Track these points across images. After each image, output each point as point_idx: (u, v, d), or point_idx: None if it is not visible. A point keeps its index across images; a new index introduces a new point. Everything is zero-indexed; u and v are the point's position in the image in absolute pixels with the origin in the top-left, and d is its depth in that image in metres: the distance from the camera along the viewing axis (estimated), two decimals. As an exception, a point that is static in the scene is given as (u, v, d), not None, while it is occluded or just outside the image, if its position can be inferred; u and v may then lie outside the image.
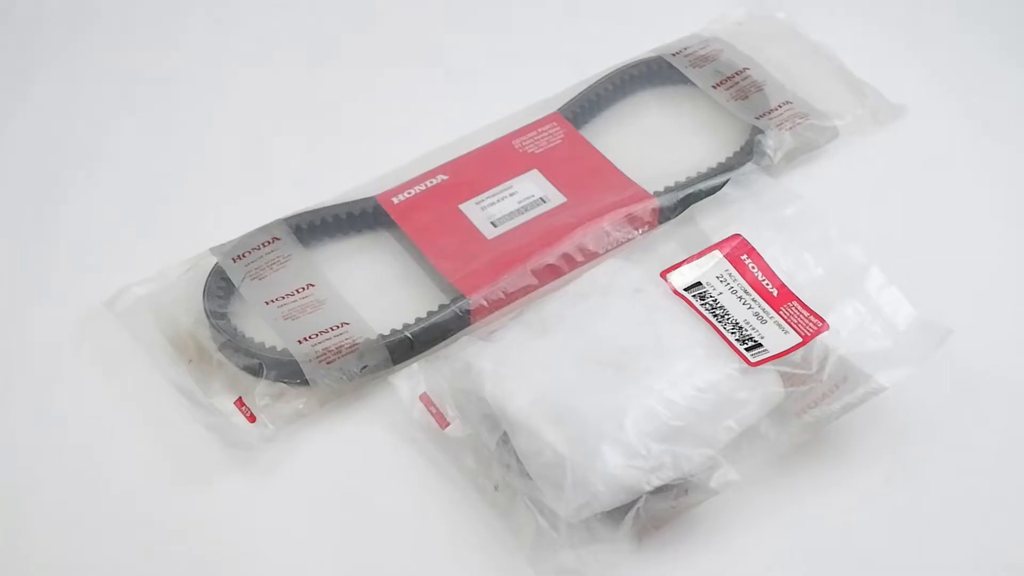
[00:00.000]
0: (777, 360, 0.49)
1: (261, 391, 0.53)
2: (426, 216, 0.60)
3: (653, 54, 0.72)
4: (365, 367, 0.53)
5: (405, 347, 0.55)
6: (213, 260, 0.59)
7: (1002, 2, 0.81)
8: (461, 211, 0.60)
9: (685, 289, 0.53)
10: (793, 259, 0.55)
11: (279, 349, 0.54)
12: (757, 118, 0.66)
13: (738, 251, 0.54)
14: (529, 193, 0.61)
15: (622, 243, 0.60)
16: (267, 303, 0.56)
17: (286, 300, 0.56)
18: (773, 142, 0.64)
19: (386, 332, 0.55)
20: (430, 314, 0.56)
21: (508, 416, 0.49)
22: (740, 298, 0.52)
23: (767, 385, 0.49)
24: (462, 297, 0.56)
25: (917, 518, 0.50)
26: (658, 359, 0.49)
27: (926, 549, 0.49)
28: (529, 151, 0.63)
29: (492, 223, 0.59)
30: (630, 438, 0.46)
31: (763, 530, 0.50)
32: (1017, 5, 0.81)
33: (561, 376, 0.50)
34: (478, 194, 0.61)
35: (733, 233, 0.55)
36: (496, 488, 0.51)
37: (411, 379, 0.54)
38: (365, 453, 0.54)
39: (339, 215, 0.61)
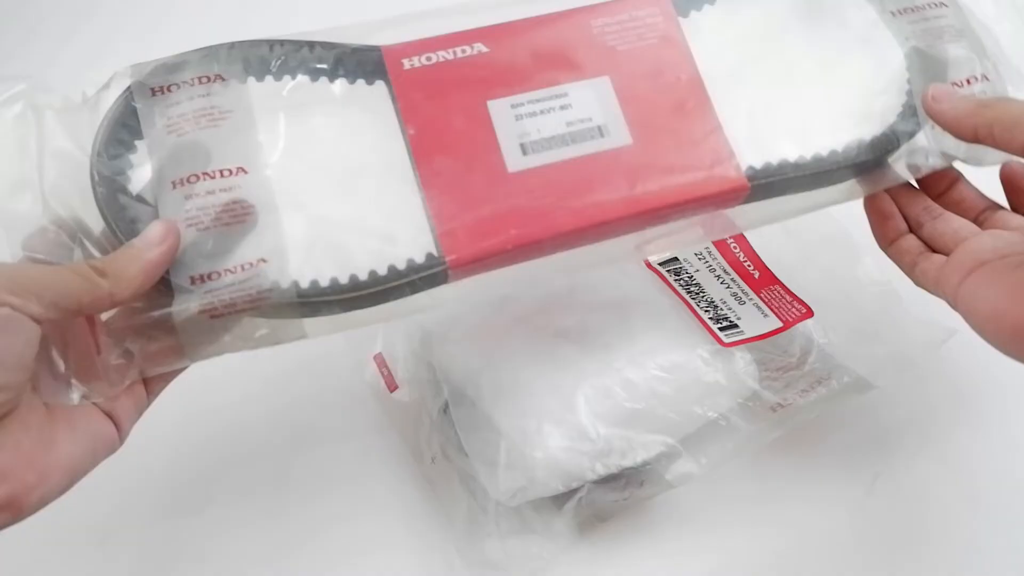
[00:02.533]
0: (753, 344, 0.44)
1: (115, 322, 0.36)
2: (438, 104, 0.40)
3: None
4: (263, 334, 0.36)
5: (327, 310, 0.37)
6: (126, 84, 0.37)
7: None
8: (488, 111, 0.40)
9: (660, 264, 0.48)
10: (792, 255, 0.50)
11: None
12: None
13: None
14: (587, 113, 0.40)
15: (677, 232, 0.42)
16: (174, 184, 0.36)
17: (199, 185, 0.36)
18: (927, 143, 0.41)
19: (310, 284, 0.36)
20: (388, 274, 0.36)
21: (451, 384, 0.45)
22: (718, 276, 0.46)
23: (740, 371, 0.44)
24: (441, 263, 0.37)
25: (898, 529, 0.46)
26: (620, 335, 0.45)
27: (904, 564, 0.45)
28: (610, 43, 0.41)
29: (522, 146, 0.39)
30: (578, 419, 0.42)
31: (724, 533, 0.45)
32: None
33: (512, 346, 0.45)
34: (520, 90, 0.40)
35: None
36: (433, 461, 0.47)
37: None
38: (308, 409, 0.51)
39: (320, 61, 0.39)
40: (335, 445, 0.49)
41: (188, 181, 0.35)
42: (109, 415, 0.34)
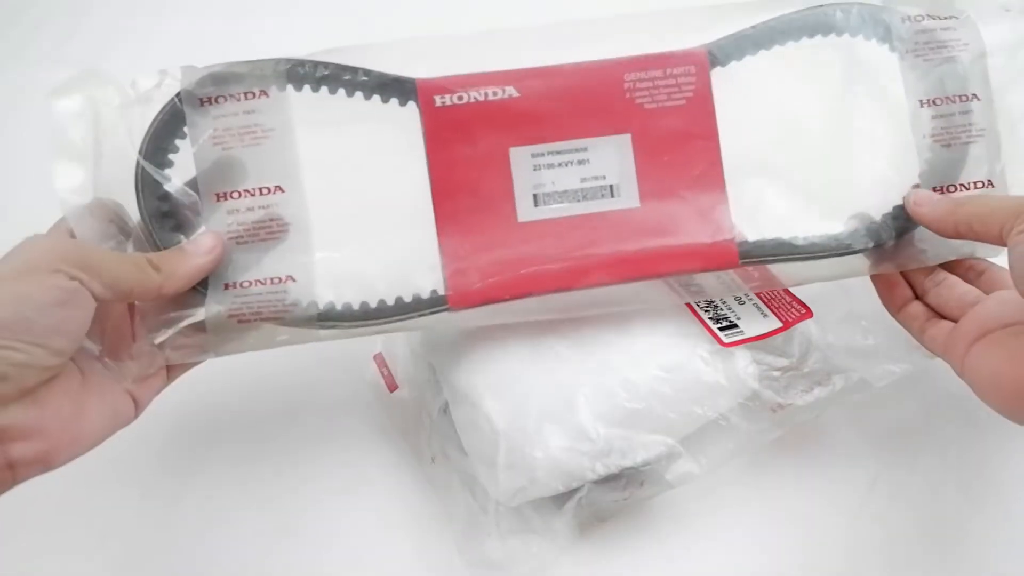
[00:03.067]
0: (753, 344, 0.44)
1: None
2: (463, 145, 0.41)
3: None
4: (282, 339, 0.40)
5: (339, 328, 0.41)
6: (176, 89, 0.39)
7: None
8: (509, 157, 0.41)
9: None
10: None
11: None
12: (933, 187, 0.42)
13: None
14: (602, 171, 0.41)
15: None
16: (218, 196, 0.39)
17: (240, 201, 0.39)
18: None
19: (327, 306, 0.40)
20: (395, 305, 0.40)
21: (450, 383, 0.45)
22: (718, 276, 0.46)
23: (740, 371, 0.44)
24: (443, 301, 0.40)
25: (898, 529, 0.46)
26: (620, 335, 0.44)
27: (904, 564, 0.45)
28: (639, 100, 0.41)
29: (535, 196, 0.41)
30: (578, 418, 0.42)
31: (724, 533, 0.45)
32: None
33: (512, 346, 0.45)
34: (542, 140, 0.41)
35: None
36: (433, 461, 0.46)
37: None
38: (308, 408, 0.51)
39: (359, 84, 0.41)
40: (335, 444, 0.49)
41: (231, 196, 0.39)
42: (130, 393, 0.38)
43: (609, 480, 0.42)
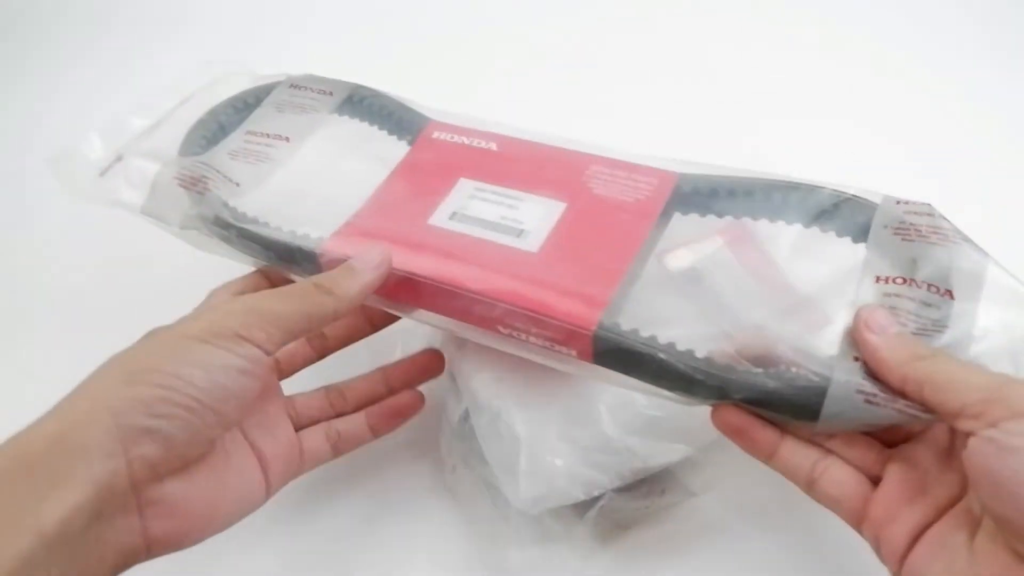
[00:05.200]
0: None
1: None
2: (431, 164, 0.46)
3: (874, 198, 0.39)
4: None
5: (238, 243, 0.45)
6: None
7: None
8: (456, 183, 0.45)
9: (680, 272, 0.47)
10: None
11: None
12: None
13: (741, 241, 0.48)
14: (523, 219, 0.42)
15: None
16: (248, 133, 0.50)
17: (256, 138, 0.50)
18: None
19: (240, 215, 0.44)
20: (287, 234, 0.43)
21: (471, 391, 0.45)
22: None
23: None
24: (318, 245, 0.42)
25: None
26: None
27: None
28: (591, 184, 0.43)
29: (453, 213, 0.43)
30: (599, 426, 0.42)
31: (746, 541, 0.45)
32: None
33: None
34: (491, 182, 0.44)
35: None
36: (454, 469, 0.46)
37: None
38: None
39: (388, 107, 0.51)
40: (354, 453, 0.49)
41: (257, 134, 0.51)
42: (265, 473, 0.36)
43: (630, 488, 0.42)
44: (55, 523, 0.27)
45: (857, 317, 0.33)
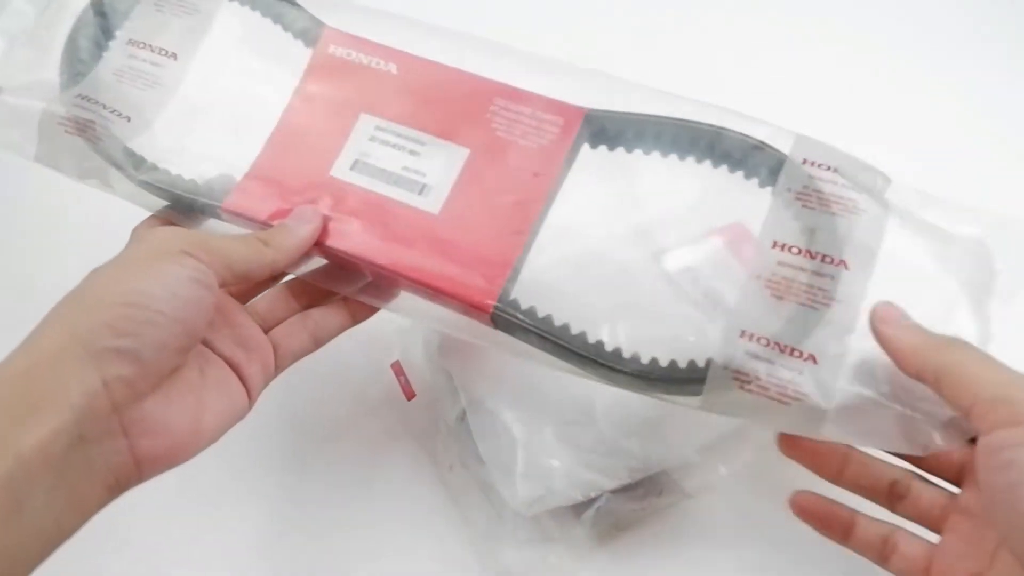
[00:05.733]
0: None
1: None
2: (329, 91, 0.44)
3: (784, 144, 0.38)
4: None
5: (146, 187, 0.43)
6: None
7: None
8: (357, 120, 0.43)
9: (678, 272, 0.47)
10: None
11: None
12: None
13: (739, 240, 0.48)
14: (425, 169, 0.41)
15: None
16: (130, 43, 0.46)
17: (144, 53, 0.45)
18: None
19: (138, 160, 0.43)
20: (188, 182, 0.43)
21: (468, 391, 0.45)
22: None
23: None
24: (219, 199, 0.42)
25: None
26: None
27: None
28: (494, 125, 0.41)
29: (356, 161, 0.42)
30: (596, 427, 0.42)
31: (743, 542, 0.45)
32: None
33: (529, 353, 0.45)
34: (392, 119, 0.42)
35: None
36: (451, 469, 0.46)
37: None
38: (325, 417, 0.51)
39: (285, 13, 0.46)
40: (353, 453, 0.49)
41: (140, 46, 0.46)
42: (244, 383, 0.37)
43: (627, 489, 0.42)
44: (33, 446, 0.28)
45: (872, 313, 0.34)
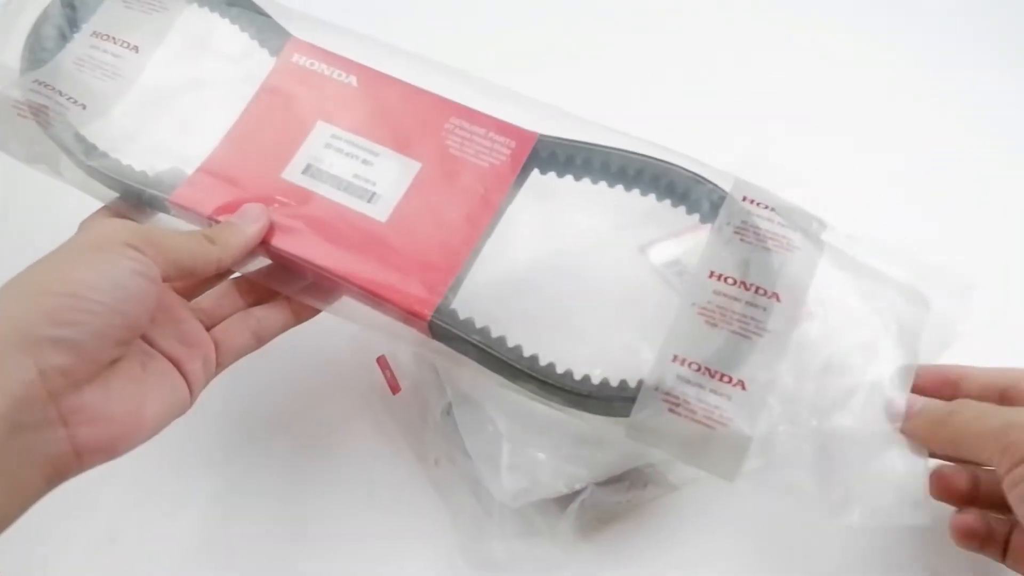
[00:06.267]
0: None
1: None
2: (290, 96, 0.45)
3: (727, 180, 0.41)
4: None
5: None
6: None
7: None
8: (313, 127, 0.44)
9: (664, 265, 0.48)
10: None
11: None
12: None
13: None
14: (376, 178, 0.42)
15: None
16: (96, 35, 0.46)
17: (108, 45, 0.46)
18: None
19: (82, 142, 0.43)
20: (138, 174, 0.43)
21: (454, 384, 0.45)
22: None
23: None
24: (168, 191, 0.42)
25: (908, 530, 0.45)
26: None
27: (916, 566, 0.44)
28: (447, 142, 0.42)
29: (308, 166, 0.42)
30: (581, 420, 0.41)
31: (728, 535, 0.45)
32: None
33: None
34: (347, 129, 0.43)
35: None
36: (437, 463, 0.46)
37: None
38: (311, 411, 0.51)
39: (246, 20, 0.47)
40: (338, 447, 0.49)
41: (104, 38, 0.46)
42: (185, 378, 0.37)
43: (612, 482, 0.42)
44: None
45: (886, 410, 0.37)
